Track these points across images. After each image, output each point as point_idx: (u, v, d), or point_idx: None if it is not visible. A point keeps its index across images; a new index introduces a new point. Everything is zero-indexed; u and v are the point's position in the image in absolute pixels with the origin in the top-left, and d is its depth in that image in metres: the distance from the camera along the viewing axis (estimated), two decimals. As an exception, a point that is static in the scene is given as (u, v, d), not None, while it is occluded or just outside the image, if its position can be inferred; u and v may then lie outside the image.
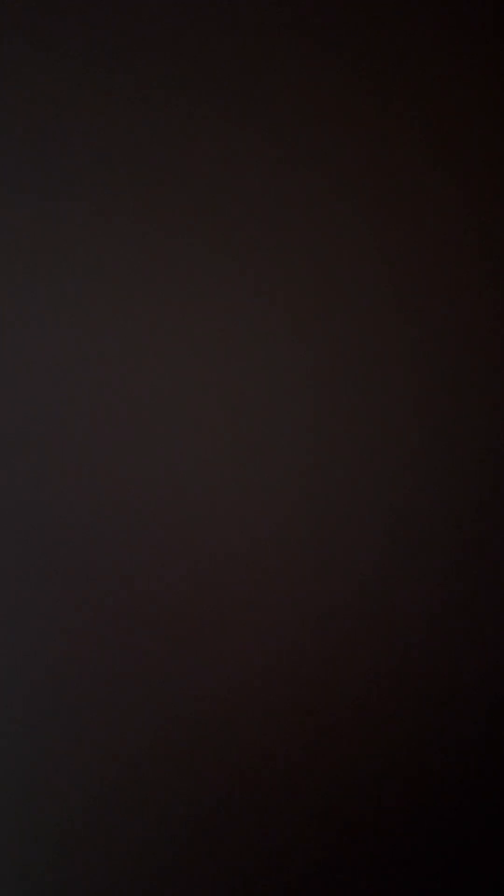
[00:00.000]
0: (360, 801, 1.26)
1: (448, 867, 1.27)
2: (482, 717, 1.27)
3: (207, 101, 1.25)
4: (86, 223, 1.24)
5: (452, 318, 1.27)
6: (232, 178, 1.25)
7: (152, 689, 1.23)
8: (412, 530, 1.27)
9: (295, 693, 1.25)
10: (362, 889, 1.26)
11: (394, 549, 1.26)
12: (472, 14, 1.28)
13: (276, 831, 1.25)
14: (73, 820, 1.23)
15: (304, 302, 1.26)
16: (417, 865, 1.27)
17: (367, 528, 1.26)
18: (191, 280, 1.25)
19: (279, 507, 1.25)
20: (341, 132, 1.26)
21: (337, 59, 1.26)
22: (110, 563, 1.23)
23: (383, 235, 1.27)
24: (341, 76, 1.26)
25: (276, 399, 1.26)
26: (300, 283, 1.26)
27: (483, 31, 1.28)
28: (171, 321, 1.24)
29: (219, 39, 1.25)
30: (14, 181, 1.23)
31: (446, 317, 1.27)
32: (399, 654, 1.26)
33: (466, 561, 1.27)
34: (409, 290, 1.27)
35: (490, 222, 1.28)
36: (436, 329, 1.27)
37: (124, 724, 1.23)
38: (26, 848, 1.23)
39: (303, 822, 1.26)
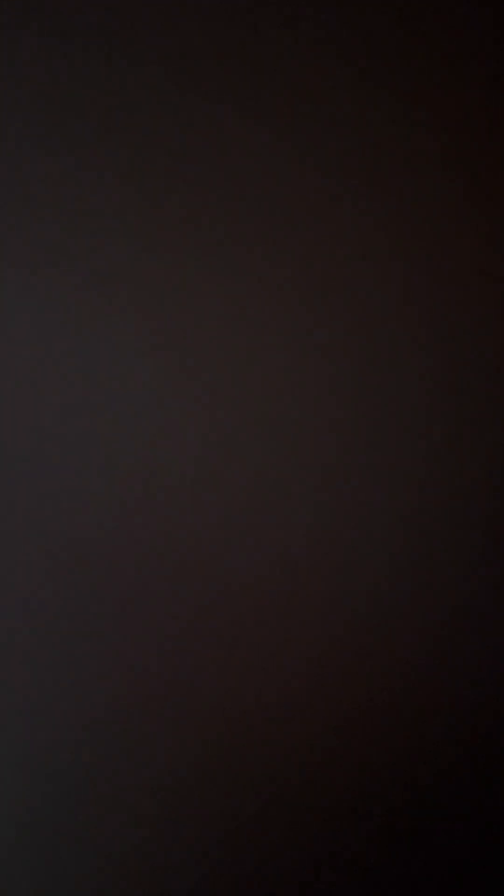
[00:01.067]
0: (366, 820, 1.26)
1: (451, 886, 1.28)
2: (492, 737, 1.28)
3: (208, 98, 1.25)
4: (85, 224, 1.23)
5: (458, 319, 1.28)
6: (233, 176, 1.26)
7: (158, 709, 1.23)
8: (420, 549, 1.27)
9: (302, 715, 1.25)
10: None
11: (401, 569, 1.27)
12: (473, 12, 1.28)
13: (283, 852, 1.26)
14: (78, 835, 1.23)
15: (306, 310, 1.26)
16: (422, 882, 1.27)
17: (374, 546, 1.26)
18: (192, 290, 1.25)
19: (286, 526, 1.25)
20: (343, 129, 1.27)
21: (338, 52, 1.26)
22: (114, 582, 1.23)
23: (387, 234, 1.28)
24: (342, 71, 1.26)
25: (282, 414, 1.26)
26: (303, 289, 1.26)
27: (484, 27, 1.28)
28: (172, 334, 1.25)
29: (219, 35, 1.25)
30: (12, 180, 1.23)
31: (452, 319, 1.28)
32: (406, 675, 1.27)
33: (475, 579, 1.28)
34: (413, 291, 1.27)
35: (496, 221, 1.28)
36: (443, 337, 1.28)
37: (128, 742, 1.23)
38: (30, 863, 1.22)
39: (309, 842, 1.26)
